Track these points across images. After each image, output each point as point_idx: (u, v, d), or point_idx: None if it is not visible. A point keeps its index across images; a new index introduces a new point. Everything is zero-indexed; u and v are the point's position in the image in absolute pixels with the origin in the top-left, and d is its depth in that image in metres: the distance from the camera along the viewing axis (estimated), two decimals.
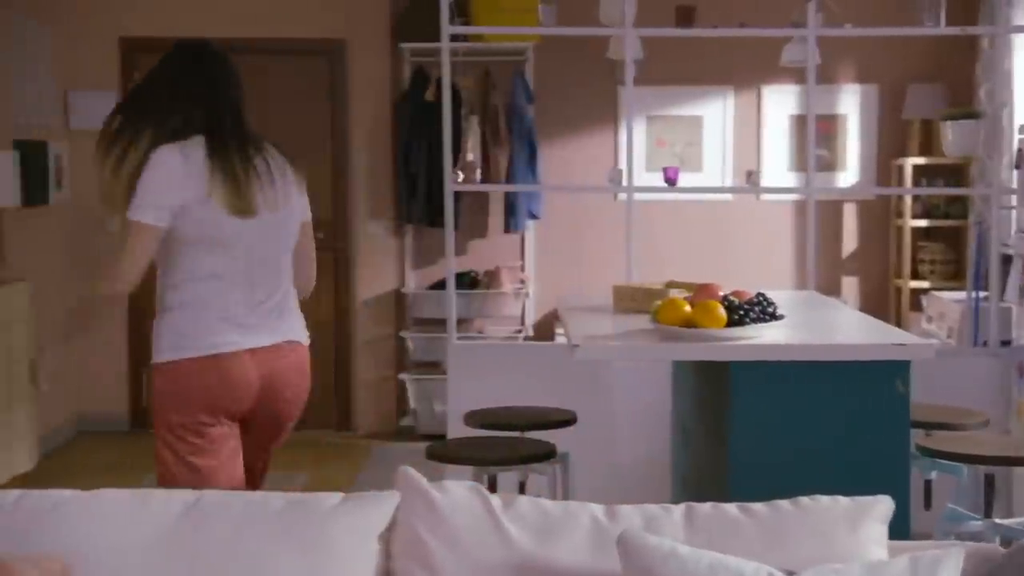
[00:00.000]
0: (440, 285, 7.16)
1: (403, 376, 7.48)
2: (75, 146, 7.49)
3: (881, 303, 7.77)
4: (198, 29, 7.56)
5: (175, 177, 3.24)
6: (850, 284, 7.83)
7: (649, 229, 7.57)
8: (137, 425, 7.67)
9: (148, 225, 3.23)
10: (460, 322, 7.48)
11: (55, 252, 7.41)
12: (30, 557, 2.28)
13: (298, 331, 3.47)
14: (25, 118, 7.05)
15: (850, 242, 7.84)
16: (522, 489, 4.45)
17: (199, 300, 3.30)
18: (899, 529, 3.63)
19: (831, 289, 7.68)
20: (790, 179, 7.73)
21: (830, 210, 7.79)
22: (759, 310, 3.63)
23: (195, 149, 3.28)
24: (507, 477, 4.61)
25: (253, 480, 3.56)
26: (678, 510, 2.46)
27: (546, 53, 7.47)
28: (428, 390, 7.35)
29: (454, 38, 6.95)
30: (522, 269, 7.66)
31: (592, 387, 5.18)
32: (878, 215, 7.84)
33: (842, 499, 2.46)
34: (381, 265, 7.64)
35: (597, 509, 2.46)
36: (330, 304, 7.69)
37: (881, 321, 4.21)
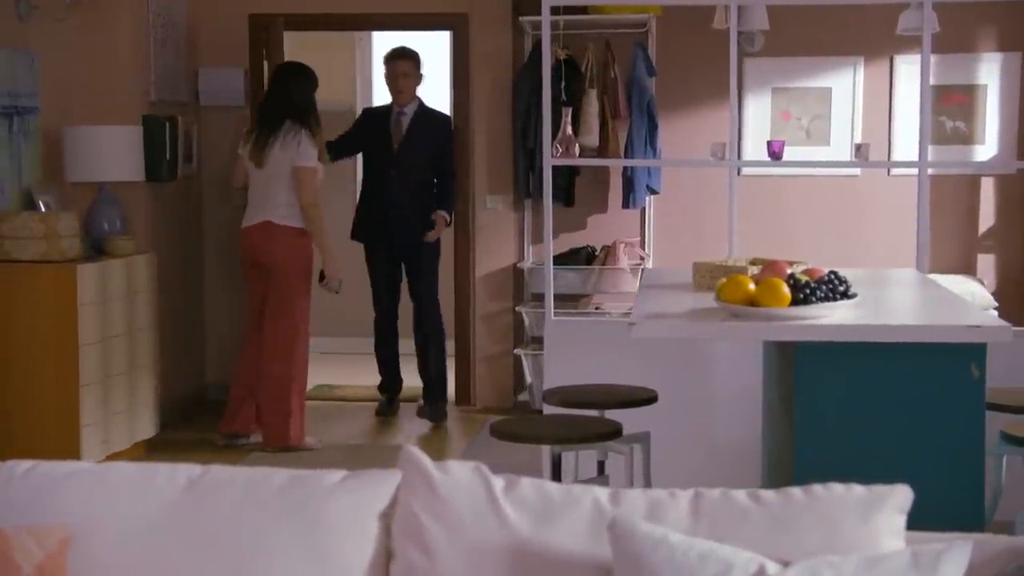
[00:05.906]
0: (558, 260, 7.10)
1: (519, 351, 7.46)
2: (203, 122, 7.66)
3: (1020, 282, 7.43)
4: (326, 6, 7.65)
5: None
6: (986, 262, 7.48)
7: (774, 205, 7.39)
8: None
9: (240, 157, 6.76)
10: (578, 298, 7.42)
11: (181, 225, 7.59)
12: (31, 528, 2.33)
13: (272, 216, 6.50)
14: (158, 93, 7.22)
15: (987, 219, 7.50)
16: (601, 469, 4.39)
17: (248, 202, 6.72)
18: (973, 519, 3.47)
19: (966, 268, 7.37)
20: None
21: (966, 185, 7.46)
22: (827, 288, 3.49)
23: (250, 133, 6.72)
24: (587, 456, 4.57)
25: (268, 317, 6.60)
26: (686, 496, 2.38)
27: (669, 25, 7.33)
28: (543, 365, 7.29)
29: (571, 10, 6.91)
30: (642, 245, 7.54)
31: (686, 366, 5.06)
32: (1018, 191, 7.48)
33: (857, 488, 2.34)
34: (500, 240, 7.60)
35: (601, 493, 2.40)
36: (449, 278, 7.69)
37: (969, 301, 4.02)
